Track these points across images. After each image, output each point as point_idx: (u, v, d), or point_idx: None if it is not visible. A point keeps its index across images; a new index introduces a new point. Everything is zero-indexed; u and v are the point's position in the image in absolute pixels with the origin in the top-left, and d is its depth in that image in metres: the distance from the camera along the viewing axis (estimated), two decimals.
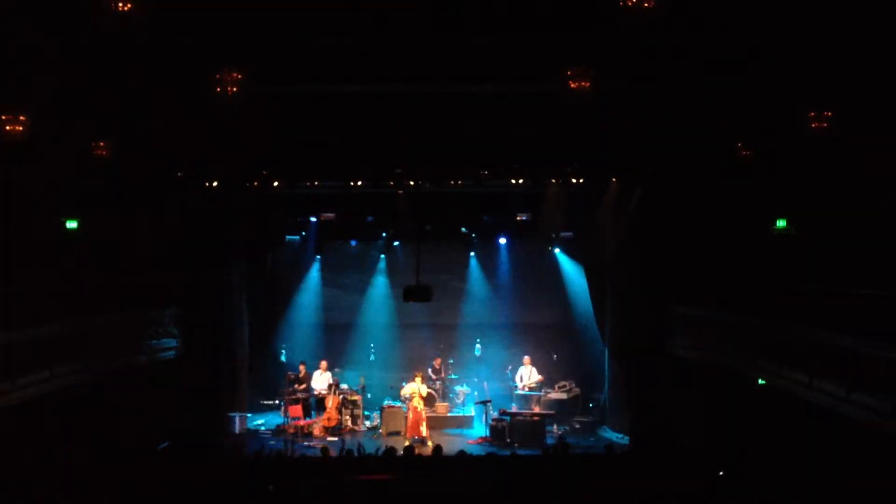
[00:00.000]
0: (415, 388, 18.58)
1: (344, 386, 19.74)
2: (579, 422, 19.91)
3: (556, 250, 21.45)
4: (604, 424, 19.74)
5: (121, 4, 8.82)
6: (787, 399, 13.82)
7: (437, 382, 20.39)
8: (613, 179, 19.02)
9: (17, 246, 14.02)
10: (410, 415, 18.33)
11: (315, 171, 18.25)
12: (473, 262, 22.05)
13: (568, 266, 21.46)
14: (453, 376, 20.67)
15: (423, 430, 18.16)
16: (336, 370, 20.19)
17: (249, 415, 19.93)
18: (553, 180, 19.00)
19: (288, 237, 21.07)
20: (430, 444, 17.61)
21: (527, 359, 20.11)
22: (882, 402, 11.23)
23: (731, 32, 11.21)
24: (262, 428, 19.70)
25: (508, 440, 17.86)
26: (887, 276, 11.93)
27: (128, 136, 14.53)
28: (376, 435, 18.96)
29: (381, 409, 19.40)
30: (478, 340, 21.26)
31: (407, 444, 16.14)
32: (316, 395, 19.52)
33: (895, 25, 10.07)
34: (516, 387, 19.86)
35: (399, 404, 19.28)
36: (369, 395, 20.08)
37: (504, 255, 21.80)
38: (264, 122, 14.68)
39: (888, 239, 12.69)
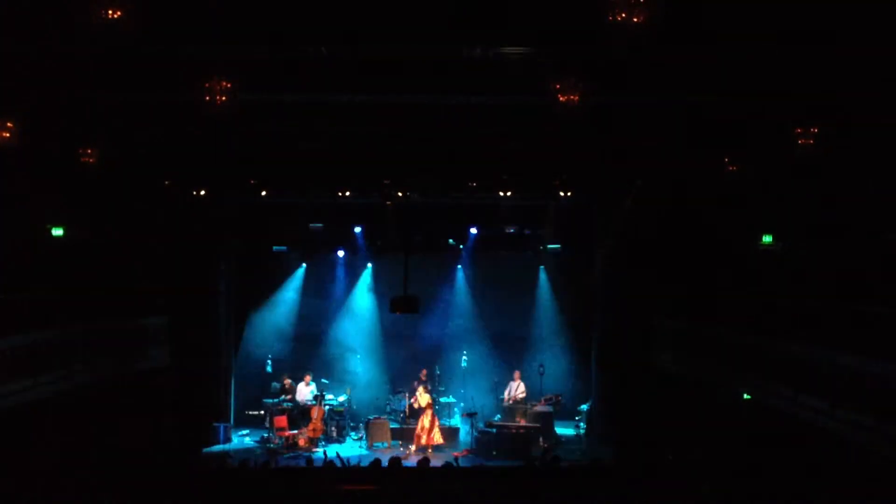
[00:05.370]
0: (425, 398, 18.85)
1: (329, 397, 19.69)
2: (565, 435, 19.89)
3: (541, 267, 21.50)
4: (589, 437, 19.73)
5: (110, 12, 8.79)
6: (772, 413, 13.87)
7: None
8: (602, 193, 19.09)
9: (2, 253, 13.95)
10: (426, 424, 18.40)
11: (303, 180, 18.22)
12: (460, 274, 22.03)
13: (555, 279, 21.50)
14: (440, 388, 20.62)
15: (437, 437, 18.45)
16: (322, 381, 20.11)
17: (234, 425, 19.82)
18: (542, 193, 19.06)
19: (275, 247, 20.98)
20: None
21: (517, 374, 20.09)
22: (866, 418, 11.29)
23: (720, 48, 11.26)
24: (247, 439, 19.62)
25: (494, 452, 17.83)
26: (872, 292, 12.01)
27: (115, 144, 14.48)
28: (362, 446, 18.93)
29: (367, 422, 19.33)
30: (464, 352, 21.21)
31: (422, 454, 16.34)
32: (301, 406, 19.44)
33: (887, 40, 10.14)
34: (503, 399, 19.84)
35: (385, 417, 19.33)
36: (354, 407, 20.01)
37: (492, 268, 21.78)
38: (252, 132, 14.65)
39: (873, 255, 12.77)
